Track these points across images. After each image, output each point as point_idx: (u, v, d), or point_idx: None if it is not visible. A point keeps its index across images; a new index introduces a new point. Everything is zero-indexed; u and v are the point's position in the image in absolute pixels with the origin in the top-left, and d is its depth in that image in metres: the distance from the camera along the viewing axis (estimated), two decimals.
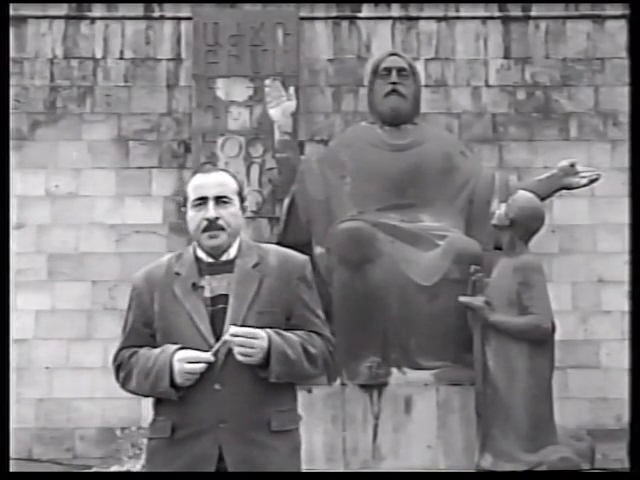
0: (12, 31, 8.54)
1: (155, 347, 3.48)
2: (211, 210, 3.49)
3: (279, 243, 7.63)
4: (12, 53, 8.53)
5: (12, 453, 7.01)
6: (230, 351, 3.36)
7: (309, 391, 6.91)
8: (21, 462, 7.91)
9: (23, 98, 8.67)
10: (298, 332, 3.49)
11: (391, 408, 6.85)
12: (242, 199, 3.62)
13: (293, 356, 3.41)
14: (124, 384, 3.57)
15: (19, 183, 8.50)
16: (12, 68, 8.49)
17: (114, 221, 8.56)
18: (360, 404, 6.87)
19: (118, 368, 3.58)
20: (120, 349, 3.59)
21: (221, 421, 3.37)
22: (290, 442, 3.50)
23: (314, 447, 6.82)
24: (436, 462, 6.77)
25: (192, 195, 3.53)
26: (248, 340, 3.33)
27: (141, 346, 3.52)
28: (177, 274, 3.53)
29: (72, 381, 8.17)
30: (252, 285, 3.48)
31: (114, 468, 7.21)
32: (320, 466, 6.77)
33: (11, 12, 8.26)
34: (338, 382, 7.04)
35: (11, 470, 6.41)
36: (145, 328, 3.54)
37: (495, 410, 6.48)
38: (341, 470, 6.75)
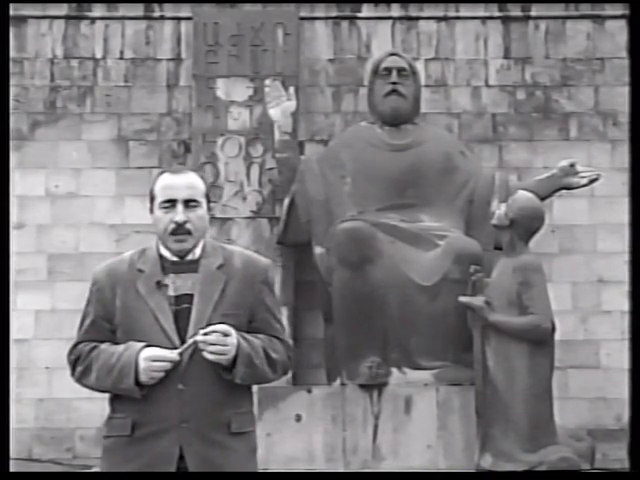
0: (12, 31, 8.53)
1: (116, 343, 3.45)
2: (180, 214, 3.46)
3: (279, 243, 7.66)
4: (12, 53, 8.52)
5: (12, 453, 7.00)
6: (195, 351, 3.35)
7: (309, 391, 6.92)
8: (21, 462, 7.91)
9: (23, 98, 8.67)
10: (260, 336, 3.48)
11: (391, 408, 6.85)
12: (209, 200, 3.59)
13: (256, 360, 3.41)
14: (81, 378, 3.55)
15: (19, 183, 8.49)
16: (12, 68, 8.48)
17: (114, 221, 8.55)
18: (360, 404, 6.87)
19: (75, 362, 3.54)
20: (77, 343, 3.55)
21: (183, 421, 3.36)
22: (247, 443, 3.51)
23: (314, 447, 6.83)
24: (436, 462, 6.77)
25: (160, 196, 3.50)
26: (221, 338, 3.33)
27: (101, 341, 3.49)
28: (140, 271, 3.50)
29: (72, 381, 8.15)
30: (217, 286, 3.47)
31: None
32: (320, 466, 6.77)
33: (11, 12, 8.25)
34: (338, 382, 7.04)
35: (11, 470, 6.40)
36: (105, 323, 3.51)
37: (495, 410, 6.48)
38: (341, 470, 6.75)
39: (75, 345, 3.56)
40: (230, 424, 3.42)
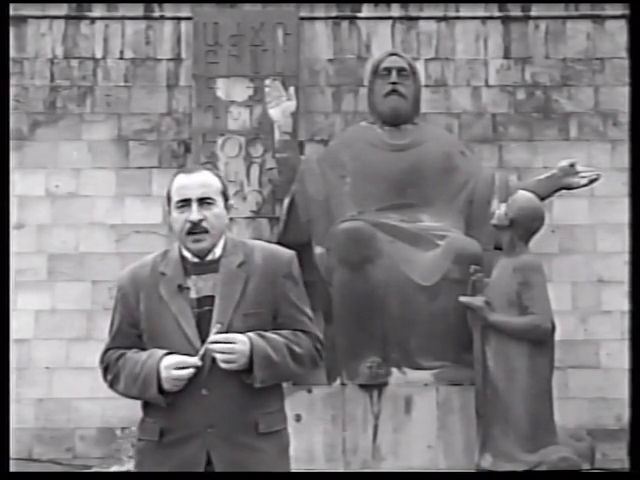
0: (12, 31, 8.53)
1: (142, 348, 3.46)
2: (195, 212, 3.45)
3: (279, 243, 7.64)
4: (12, 53, 8.53)
5: (12, 453, 7.00)
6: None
7: (309, 391, 6.91)
8: (21, 462, 7.91)
9: (23, 98, 8.67)
10: (283, 332, 3.46)
11: (391, 408, 6.85)
12: (226, 198, 3.56)
13: (277, 358, 3.39)
14: (112, 385, 3.56)
15: (19, 183, 8.50)
16: (12, 68, 8.49)
17: (114, 221, 8.56)
18: (360, 404, 6.87)
19: (106, 369, 3.57)
20: (107, 350, 3.58)
21: (209, 426, 3.36)
22: (278, 442, 3.50)
23: (314, 447, 6.83)
24: (436, 462, 6.76)
25: (175, 197, 3.50)
26: (227, 346, 3.32)
27: (128, 347, 3.51)
28: (162, 274, 3.50)
29: (72, 381, 8.17)
30: (237, 286, 3.45)
31: (114, 468, 7.21)
32: (320, 466, 6.77)
33: (11, 12, 8.25)
34: (338, 382, 7.04)
35: (11, 470, 6.40)
36: (131, 329, 3.52)
37: (495, 410, 6.48)
38: (341, 470, 6.75)
39: (105, 352, 3.59)
40: (258, 425, 3.41)
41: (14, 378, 7.91)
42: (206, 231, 3.46)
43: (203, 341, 3.36)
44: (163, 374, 3.34)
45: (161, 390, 3.36)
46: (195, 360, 3.34)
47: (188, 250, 3.51)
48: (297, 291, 3.56)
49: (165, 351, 3.38)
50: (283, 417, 3.56)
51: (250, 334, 3.37)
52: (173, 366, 3.33)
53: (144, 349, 3.47)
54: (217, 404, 3.36)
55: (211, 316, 3.41)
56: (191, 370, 3.33)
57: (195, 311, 3.43)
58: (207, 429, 3.36)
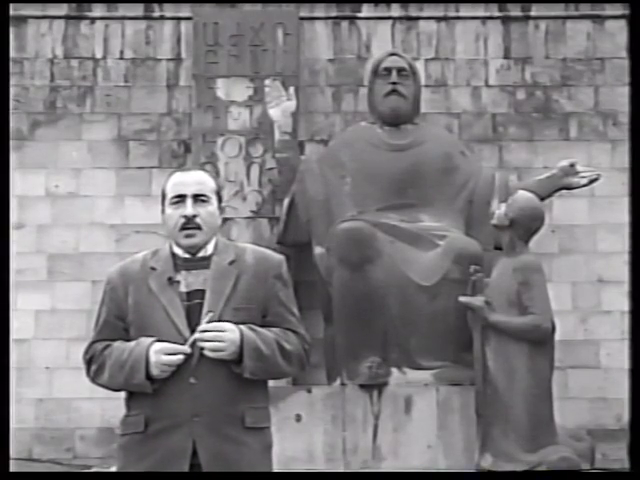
0: (12, 31, 8.53)
1: (129, 340, 3.48)
2: (189, 207, 3.50)
3: (279, 243, 7.65)
4: (12, 53, 8.52)
5: (12, 453, 7.00)
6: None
7: (309, 391, 6.92)
8: (21, 462, 7.91)
9: (23, 98, 8.66)
10: (273, 329, 3.49)
11: (391, 408, 6.85)
12: (220, 199, 3.62)
13: (267, 351, 3.41)
14: (95, 377, 3.57)
15: (19, 183, 8.49)
16: (12, 68, 8.48)
17: (114, 221, 8.55)
18: (360, 404, 6.87)
19: (89, 361, 3.57)
20: (92, 342, 3.59)
21: (195, 415, 3.37)
22: (262, 439, 3.51)
23: (314, 447, 6.83)
24: (436, 462, 6.77)
25: (170, 193, 3.55)
26: (217, 334, 3.34)
27: (114, 340, 3.52)
28: (152, 269, 3.53)
29: (72, 381, 8.14)
30: (228, 281, 3.49)
31: (114, 468, 7.19)
32: (320, 466, 6.77)
33: (11, 12, 8.25)
34: (338, 382, 7.04)
35: (11, 470, 6.40)
36: (118, 321, 3.54)
37: (495, 410, 6.48)
38: (341, 470, 6.75)
39: (90, 345, 3.59)
40: (244, 418, 3.42)
41: (14, 378, 7.90)
42: (199, 227, 3.50)
43: (193, 331, 3.39)
44: (153, 358, 3.35)
45: (149, 376, 3.38)
46: (185, 347, 3.36)
47: (179, 246, 3.55)
48: (286, 292, 3.60)
49: (154, 338, 3.40)
50: (268, 415, 3.57)
51: (240, 326, 3.40)
52: (163, 351, 3.36)
53: (130, 341, 3.48)
54: (204, 393, 3.37)
55: (201, 309, 3.44)
56: (180, 356, 3.35)
57: (184, 304, 3.46)
58: (193, 418, 3.36)
